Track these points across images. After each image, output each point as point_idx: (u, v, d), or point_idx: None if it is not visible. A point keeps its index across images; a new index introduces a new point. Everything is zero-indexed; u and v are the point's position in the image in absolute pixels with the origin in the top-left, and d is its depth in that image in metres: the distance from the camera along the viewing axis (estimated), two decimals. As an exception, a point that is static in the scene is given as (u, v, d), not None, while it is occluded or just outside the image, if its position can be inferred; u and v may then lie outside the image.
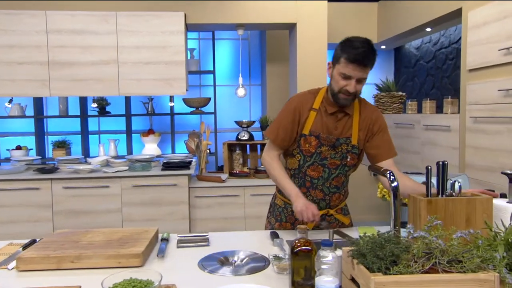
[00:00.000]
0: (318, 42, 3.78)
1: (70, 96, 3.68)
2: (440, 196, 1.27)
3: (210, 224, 3.67)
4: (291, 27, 3.96)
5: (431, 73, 4.59)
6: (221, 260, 1.54)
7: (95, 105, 4.07)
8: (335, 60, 1.73)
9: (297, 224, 1.90)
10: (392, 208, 1.30)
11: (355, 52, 1.62)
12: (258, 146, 4.11)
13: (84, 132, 4.35)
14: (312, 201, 1.84)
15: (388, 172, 1.35)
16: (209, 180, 3.77)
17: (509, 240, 1.06)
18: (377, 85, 4.63)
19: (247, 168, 4.03)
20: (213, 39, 4.56)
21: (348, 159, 1.81)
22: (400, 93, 4.50)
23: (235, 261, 1.54)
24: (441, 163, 1.25)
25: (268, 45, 4.69)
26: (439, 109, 3.72)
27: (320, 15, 3.76)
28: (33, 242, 1.70)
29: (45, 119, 4.38)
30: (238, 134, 3.99)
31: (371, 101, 4.67)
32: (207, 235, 1.84)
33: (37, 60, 3.40)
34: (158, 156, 4.13)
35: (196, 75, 4.82)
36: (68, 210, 3.38)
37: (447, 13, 3.40)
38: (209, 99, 4.44)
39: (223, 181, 3.71)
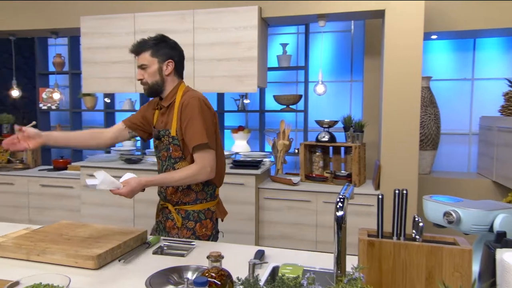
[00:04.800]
0: (411, 31, 3.18)
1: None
2: (394, 237, 0.87)
3: (279, 228, 3.48)
4: (381, 15, 3.44)
5: None
6: (173, 277, 1.38)
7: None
8: None
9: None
10: (336, 242, 0.95)
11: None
12: (342, 148, 3.72)
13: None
14: (159, 192, 1.97)
15: (338, 200, 1.00)
16: (280, 181, 3.57)
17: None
18: (509, 80, 3.71)
19: (327, 172, 3.68)
20: (306, 32, 4.31)
21: (171, 151, 1.86)
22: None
23: (188, 280, 1.36)
24: (397, 191, 0.85)
25: (367, 37, 4.21)
26: None
27: (415, -1, 3.17)
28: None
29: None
30: (318, 135, 3.68)
31: (499, 100, 3.76)
32: (193, 244, 1.69)
33: (126, 59, 3.71)
34: (237, 153, 4.10)
35: (293, 71, 4.63)
36: (146, 199, 3.61)
37: None
38: (300, 96, 4.21)
39: (294, 184, 3.47)
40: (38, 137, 1.81)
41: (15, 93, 4.33)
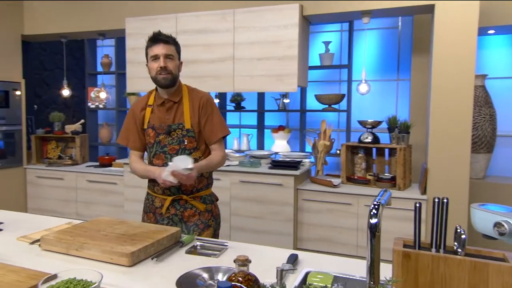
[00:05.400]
0: (464, 26, 2.98)
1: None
2: (432, 249, 0.79)
3: (318, 230, 3.40)
4: (430, 10, 3.26)
5: None
6: (204, 277, 1.36)
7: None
8: (146, 57, 1.96)
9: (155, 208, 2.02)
10: (369, 250, 0.89)
11: (153, 35, 1.93)
12: (386, 150, 3.57)
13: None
14: (164, 187, 1.97)
15: (373, 206, 0.94)
16: (320, 183, 3.49)
17: None
18: None
19: (370, 175, 3.55)
20: (350, 30, 4.19)
21: (186, 143, 1.96)
22: None
23: (218, 281, 1.33)
24: (436, 199, 0.78)
25: (415, 34, 4.02)
26: None
27: (468, -9, 2.97)
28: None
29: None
30: (360, 136, 3.56)
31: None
32: (226, 245, 1.67)
33: (168, 60, 3.77)
34: (276, 153, 4.06)
35: (336, 70, 4.53)
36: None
37: None
38: (343, 95, 4.10)
39: (335, 186, 3.37)
40: None
41: (66, 92, 4.54)
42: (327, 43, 4.25)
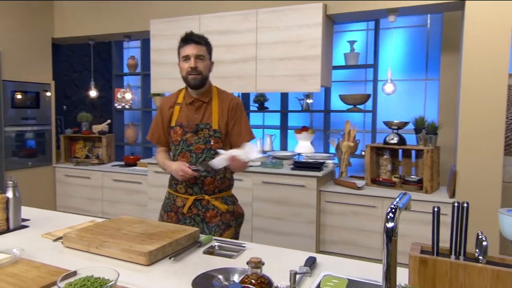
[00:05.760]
0: (497, 23, 2.85)
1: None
2: (451, 256, 0.75)
3: (342, 233, 3.34)
4: (460, 7, 3.14)
5: None
6: (220, 278, 1.35)
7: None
8: (178, 56, 2.01)
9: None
10: (385, 255, 0.86)
11: (185, 35, 1.98)
12: (413, 152, 3.47)
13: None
14: (186, 186, 2.00)
15: (390, 210, 0.90)
16: (343, 185, 3.43)
17: None
18: None
19: (395, 177, 3.46)
20: (376, 28, 4.11)
21: (212, 143, 1.97)
22: None
23: (233, 282, 1.32)
24: (456, 203, 0.74)
25: (444, 31, 3.89)
26: None
27: (501, -14, 2.84)
28: (102, 222, 1.89)
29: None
30: (386, 137, 3.47)
31: None
32: (244, 246, 1.66)
33: (192, 60, 3.80)
34: (299, 154, 4.02)
35: (362, 69, 4.44)
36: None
37: None
38: (368, 95, 4.03)
39: (359, 188, 3.31)
40: None
41: (93, 93, 4.65)
42: (352, 42, 4.18)
